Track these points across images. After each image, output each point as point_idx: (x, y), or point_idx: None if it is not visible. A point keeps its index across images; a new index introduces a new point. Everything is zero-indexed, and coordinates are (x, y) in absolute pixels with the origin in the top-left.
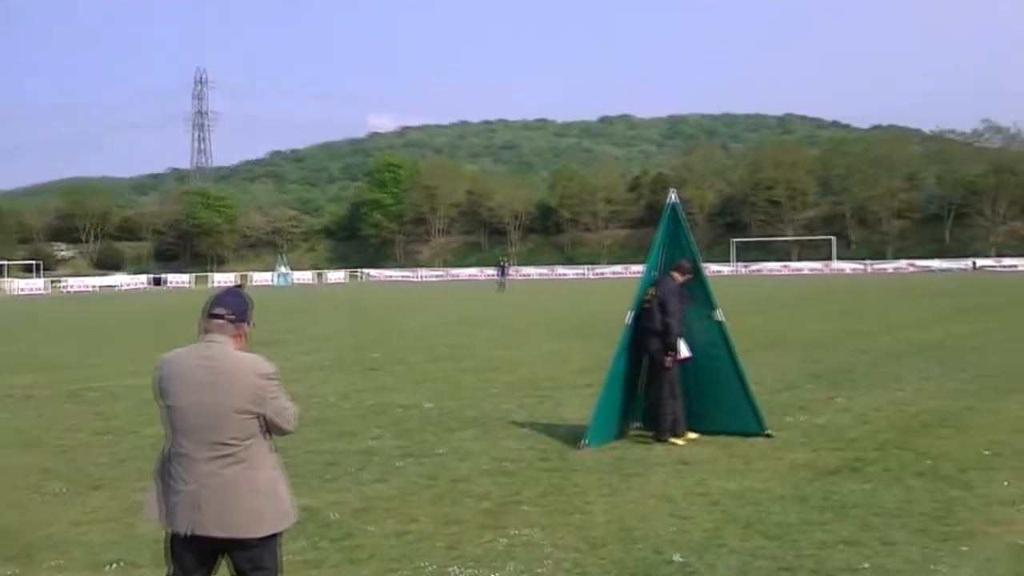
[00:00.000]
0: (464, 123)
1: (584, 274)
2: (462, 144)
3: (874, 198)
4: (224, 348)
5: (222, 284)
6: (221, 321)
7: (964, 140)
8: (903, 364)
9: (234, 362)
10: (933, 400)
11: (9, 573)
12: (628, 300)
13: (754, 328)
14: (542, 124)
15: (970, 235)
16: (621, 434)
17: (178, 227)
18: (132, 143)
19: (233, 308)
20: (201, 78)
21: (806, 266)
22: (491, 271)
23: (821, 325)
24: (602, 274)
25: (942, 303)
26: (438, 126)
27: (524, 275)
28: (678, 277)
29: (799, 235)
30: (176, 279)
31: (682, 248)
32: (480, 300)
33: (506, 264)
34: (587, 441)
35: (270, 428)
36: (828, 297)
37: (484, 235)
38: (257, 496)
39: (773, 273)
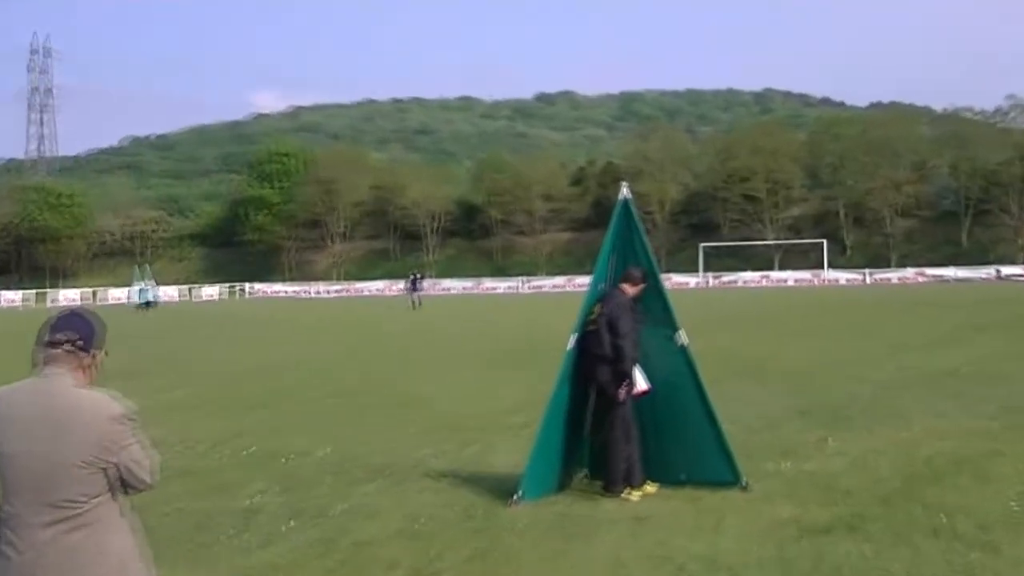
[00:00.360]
0: (370, 102)
1: (517, 288)
2: (367, 128)
3: (873, 192)
4: (65, 383)
5: (66, 303)
6: (61, 350)
7: (984, 120)
8: (910, 397)
9: (78, 401)
10: (947, 441)
11: None
12: (571, 320)
13: (727, 353)
14: (465, 104)
15: (992, 236)
16: (563, 486)
17: (11, 232)
18: None
19: (78, 332)
20: (40, 47)
21: (791, 276)
22: (402, 285)
23: (809, 348)
24: (539, 288)
25: (957, 320)
26: (337, 106)
27: (443, 289)
28: (628, 289)
29: (782, 238)
30: (6, 297)
31: (636, 255)
32: (389, 320)
33: (420, 276)
34: (521, 494)
35: (124, 483)
36: (818, 314)
37: (394, 240)
38: (106, 569)
39: (750, 285)
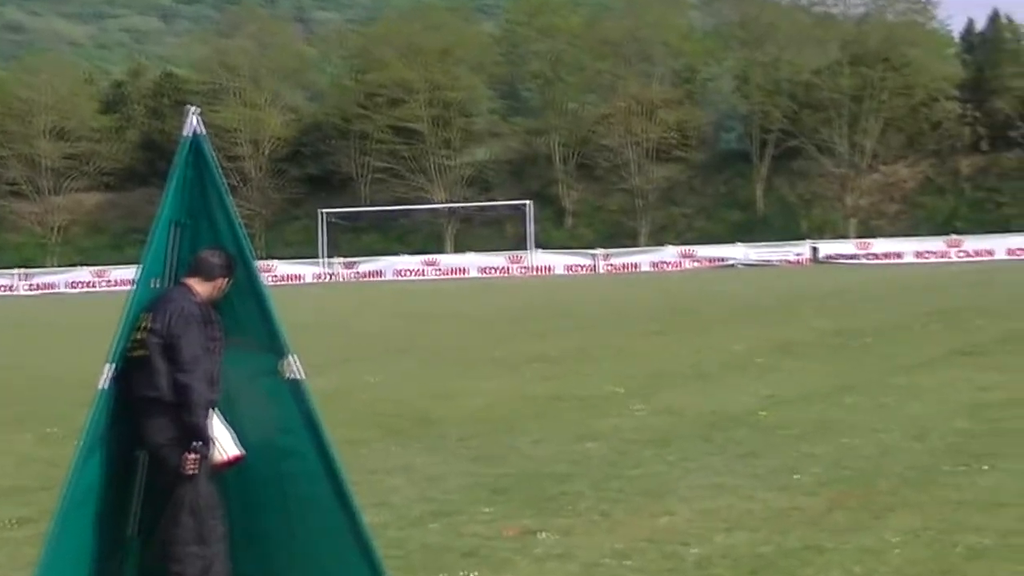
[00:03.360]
0: None
1: (12, 285)
2: None
3: (610, 122)
4: None
5: None
6: None
7: (793, 4)
8: (672, 458)
9: None
10: (737, 532)
11: None
12: (102, 344)
13: (374, 395)
14: None
15: (805, 192)
16: None
17: None
18: None
19: None
20: None
21: (474, 262)
22: None
23: (507, 385)
24: (50, 287)
25: (751, 335)
26: None
27: None
28: (200, 288)
29: (458, 199)
30: None
31: (216, 231)
32: None
33: None
34: None
35: None
36: (519, 326)
37: None
38: None
39: (406, 278)
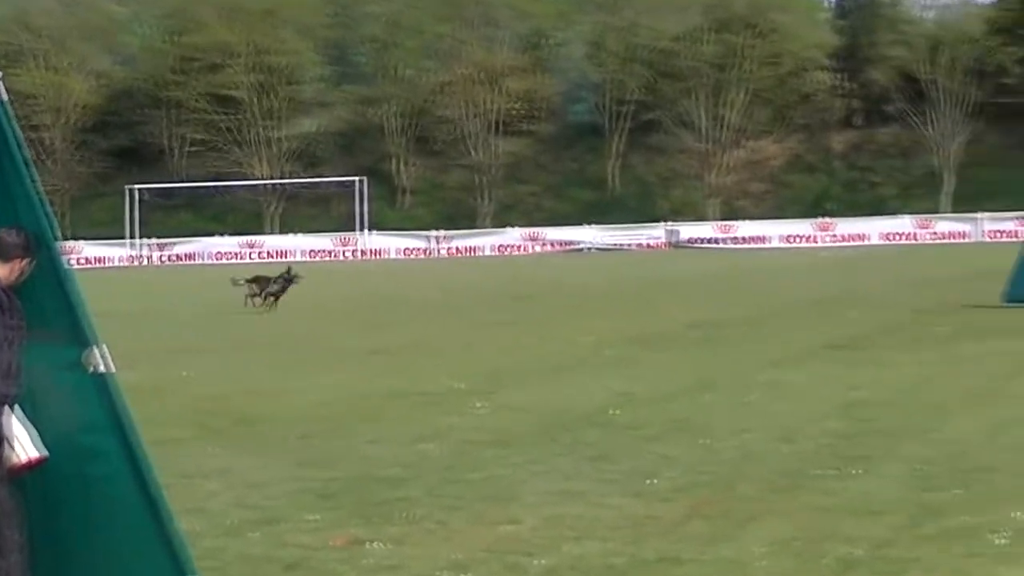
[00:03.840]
0: None
1: None
2: None
3: (450, 89)
4: None
5: None
6: None
7: None
8: (517, 459)
9: None
10: (588, 542)
11: None
12: None
13: (194, 391)
14: None
15: (662, 170)
16: None
17: None
18: None
19: None
20: None
21: (300, 245)
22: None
23: (338, 381)
24: None
25: (604, 326)
26: None
27: None
28: None
29: (284, 174)
30: None
31: (14, 208)
32: None
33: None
34: None
35: None
36: (354, 317)
37: None
38: None
39: (230, 261)
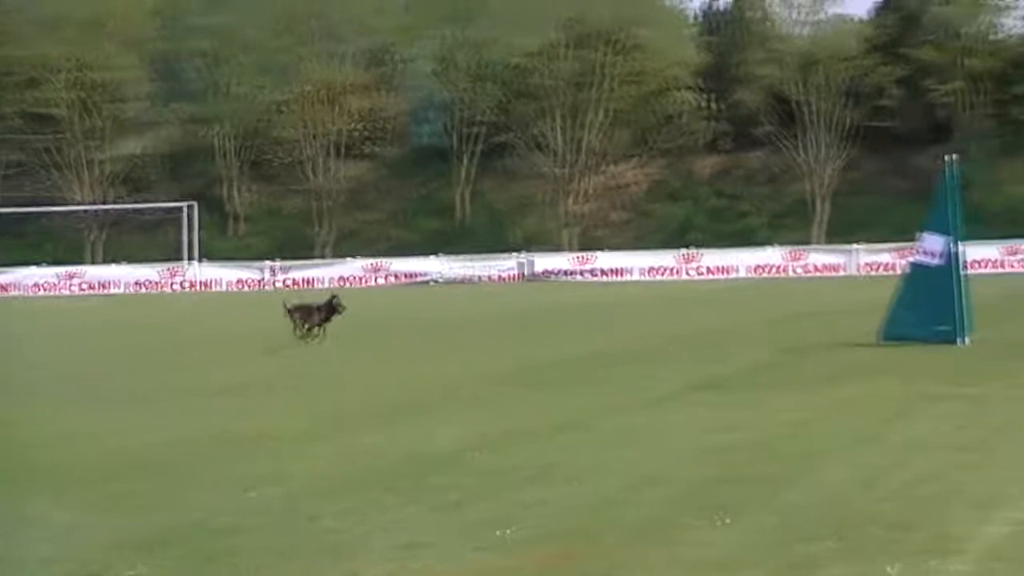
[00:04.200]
0: None
1: None
2: None
3: (288, 108)
4: None
5: None
6: None
7: None
8: (360, 508)
9: None
10: None
11: None
12: None
13: None
14: None
15: (513, 198)
16: None
17: None
18: None
19: None
20: None
21: (122, 276)
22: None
23: (160, 418)
24: None
25: (448, 358)
26: None
27: None
28: None
29: (108, 199)
30: None
31: None
32: None
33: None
34: None
35: None
36: (177, 348)
37: None
38: None
39: (36, 295)
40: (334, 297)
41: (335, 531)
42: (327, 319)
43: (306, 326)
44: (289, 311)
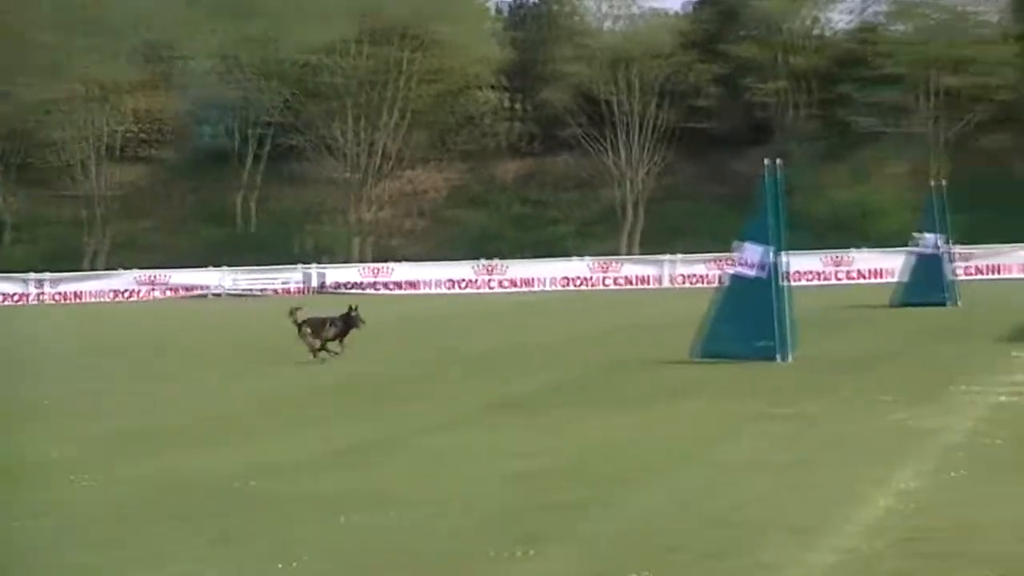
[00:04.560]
0: None
1: None
2: None
3: (52, 111)
4: None
5: None
6: None
7: None
8: (126, 541)
9: None
10: None
11: None
12: None
13: None
14: None
15: (304, 202)
16: None
17: None
18: None
19: None
20: None
21: None
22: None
23: None
24: None
25: (226, 379)
26: None
27: None
28: None
29: None
30: None
31: None
32: None
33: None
34: None
35: None
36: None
37: None
38: None
39: None
40: (352, 309)
41: (96, 569)
42: (344, 332)
43: (318, 342)
44: (298, 324)
